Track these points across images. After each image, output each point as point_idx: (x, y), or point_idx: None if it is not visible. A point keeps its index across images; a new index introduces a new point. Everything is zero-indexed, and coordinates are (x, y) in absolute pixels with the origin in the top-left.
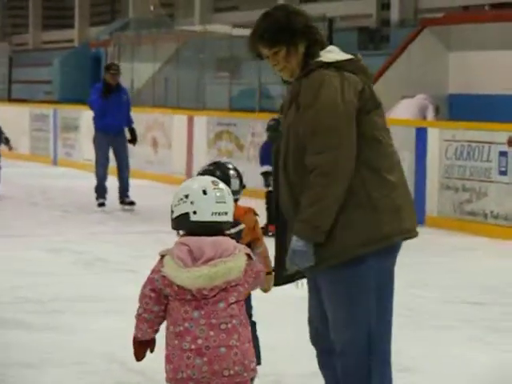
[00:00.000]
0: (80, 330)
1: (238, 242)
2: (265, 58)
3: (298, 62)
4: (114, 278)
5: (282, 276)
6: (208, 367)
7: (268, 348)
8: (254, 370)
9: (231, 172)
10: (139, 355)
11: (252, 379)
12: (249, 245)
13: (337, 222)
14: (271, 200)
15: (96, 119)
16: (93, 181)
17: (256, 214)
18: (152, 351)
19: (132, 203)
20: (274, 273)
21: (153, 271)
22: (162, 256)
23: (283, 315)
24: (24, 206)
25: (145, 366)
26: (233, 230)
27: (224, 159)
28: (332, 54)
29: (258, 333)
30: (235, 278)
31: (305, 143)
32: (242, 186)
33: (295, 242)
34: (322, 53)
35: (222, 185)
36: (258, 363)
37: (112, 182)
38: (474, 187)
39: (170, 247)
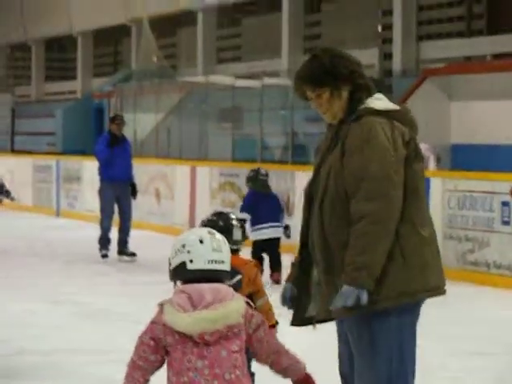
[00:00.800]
0: (81, 382)
1: (237, 291)
2: (310, 100)
3: (342, 106)
4: (117, 329)
5: (299, 317)
6: None
7: None
8: None
9: (234, 222)
10: None
11: None
12: (250, 297)
13: None
14: (257, 249)
15: (102, 169)
16: (95, 231)
17: (257, 267)
18: None
19: (133, 254)
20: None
21: (153, 321)
22: (161, 306)
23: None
24: (27, 257)
25: None
26: (231, 282)
27: (227, 210)
28: (381, 101)
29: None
30: (235, 323)
31: (348, 187)
32: (245, 236)
33: (348, 289)
34: (371, 100)
35: (218, 235)
36: None
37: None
38: (476, 237)
39: (168, 298)
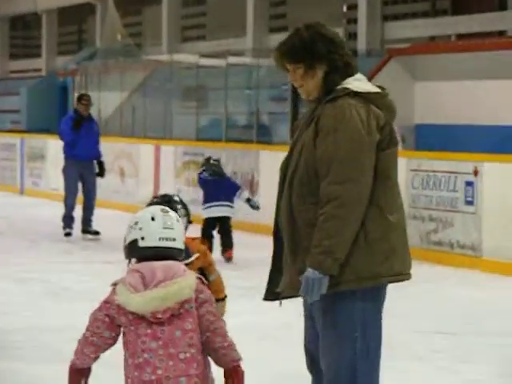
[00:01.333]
0: (44, 361)
1: (187, 265)
2: (288, 72)
3: (316, 85)
4: (79, 307)
5: (271, 292)
6: None
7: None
8: None
9: (178, 206)
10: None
11: None
12: (201, 273)
13: None
14: (207, 227)
15: (66, 149)
16: (59, 210)
17: (204, 243)
18: (86, 382)
19: (97, 233)
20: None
21: (106, 300)
22: (114, 286)
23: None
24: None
25: None
26: (188, 260)
27: (172, 192)
28: (360, 82)
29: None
30: (187, 298)
31: (318, 168)
32: (189, 220)
33: (312, 273)
34: (350, 80)
35: (172, 213)
36: None
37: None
38: (440, 217)
39: (122, 277)
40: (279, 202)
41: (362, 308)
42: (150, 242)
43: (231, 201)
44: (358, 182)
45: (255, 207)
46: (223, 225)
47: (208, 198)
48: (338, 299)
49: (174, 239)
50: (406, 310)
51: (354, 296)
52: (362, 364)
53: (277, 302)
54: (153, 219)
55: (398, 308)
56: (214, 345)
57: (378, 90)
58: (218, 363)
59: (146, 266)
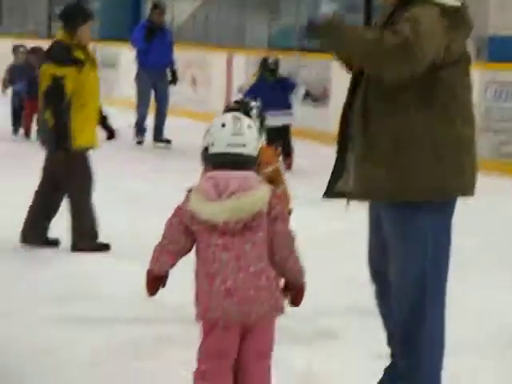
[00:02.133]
0: (115, 266)
1: None
2: None
3: None
4: (152, 215)
5: (332, 190)
6: (237, 308)
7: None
8: (282, 309)
9: (254, 111)
10: (152, 290)
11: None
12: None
13: (402, 162)
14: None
15: (139, 57)
16: (131, 118)
17: (276, 155)
18: (164, 285)
19: (168, 141)
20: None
21: (180, 206)
22: (189, 192)
23: (312, 251)
24: None
25: (178, 303)
26: (267, 169)
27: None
28: None
29: None
30: (259, 211)
31: None
32: (263, 127)
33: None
34: None
35: (245, 119)
36: None
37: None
38: None
39: (196, 184)
40: (347, 109)
41: (432, 222)
42: (218, 148)
43: (290, 107)
44: (418, 40)
45: (313, 98)
46: (283, 133)
47: (266, 107)
48: (408, 212)
49: (243, 145)
50: (476, 223)
51: (424, 209)
52: (430, 279)
53: (339, 209)
54: (223, 126)
55: (467, 222)
56: (286, 267)
57: (459, 4)
58: (285, 279)
59: (221, 174)
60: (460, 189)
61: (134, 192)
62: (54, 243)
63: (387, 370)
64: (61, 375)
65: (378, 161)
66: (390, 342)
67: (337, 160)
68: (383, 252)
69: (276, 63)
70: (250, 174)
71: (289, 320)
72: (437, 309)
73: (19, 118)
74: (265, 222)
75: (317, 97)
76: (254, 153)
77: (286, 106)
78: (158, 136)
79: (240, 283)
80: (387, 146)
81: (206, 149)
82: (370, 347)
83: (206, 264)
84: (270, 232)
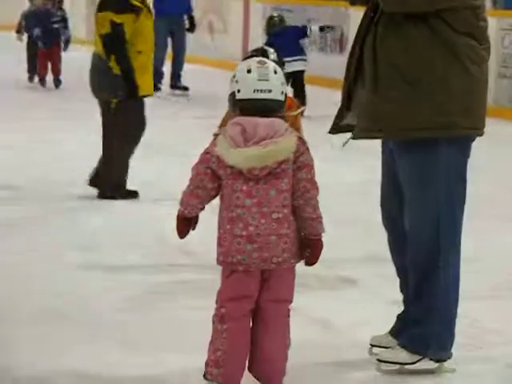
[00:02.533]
0: (133, 214)
1: None
2: None
3: None
4: (168, 163)
5: (338, 126)
6: (258, 254)
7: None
8: (301, 257)
9: (271, 57)
10: (183, 232)
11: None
12: None
13: (412, 98)
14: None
15: (156, 4)
16: None
17: (297, 106)
18: (194, 228)
19: (185, 88)
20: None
21: (206, 151)
22: (216, 136)
23: (333, 199)
24: (81, 90)
25: (196, 249)
26: (293, 113)
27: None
28: None
29: None
30: (285, 158)
31: None
32: (284, 70)
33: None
34: None
35: (270, 64)
36: None
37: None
38: None
39: (224, 128)
40: (357, 46)
41: (447, 164)
42: (245, 94)
43: (303, 52)
44: None
45: (327, 28)
46: (296, 79)
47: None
48: (423, 154)
49: (269, 91)
50: (492, 168)
51: (440, 151)
52: (444, 223)
53: (356, 159)
54: (249, 71)
55: (487, 167)
56: (304, 214)
57: None
58: (301, 230)
59: (249, 120)
60: (470, 126)
61: (151, 139)
62: (134, 194)
63: (399, 317)
64: (83, 322)
65: (388, 96)
66: (403, 288)
67: (343, 96)
68: (396, 198)
69: (281, 19)
70: (277, 121)
71: (310, 268)
72: (452, 254)
73: (35, 66)
74: (290, 170)
75: (332, 25)
76: (281, 98)
77: (298, 51)
78: (176, 83)
79: (262, 229)
80: (398, 82)
81: (233, 94)
82: (388, 294)
83: (230, 209)
84: (294, 179)
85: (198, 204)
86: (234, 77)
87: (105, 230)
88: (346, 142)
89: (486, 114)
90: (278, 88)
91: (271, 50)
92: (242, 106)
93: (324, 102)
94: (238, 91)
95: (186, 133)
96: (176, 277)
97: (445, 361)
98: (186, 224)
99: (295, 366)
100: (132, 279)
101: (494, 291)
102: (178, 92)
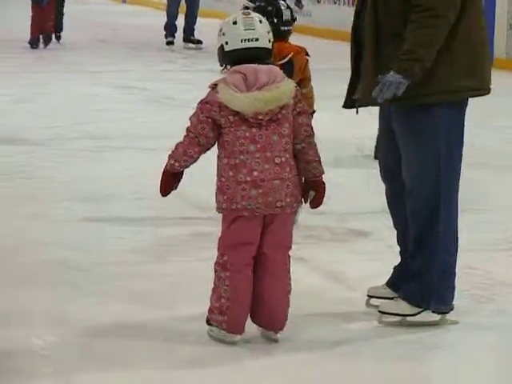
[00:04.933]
0: (143, 166)
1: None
2: None
3: None
4: (181, 115)
5: (350, 100)
6: (263, 199)
7: (335, 185)
8: (302, 201)
9: (282, 2)
10: (167, 188)
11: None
12: (297, 85)
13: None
14: None
15: None
16: (162, 18)
17: (307, 54)
18: (176, 187)
19: (199, 42)
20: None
21: (206, 101)
22: (213, 87)
23: (345, 153)
24: (93, 43)
25: (210, 202)
26: (281, 62)
27: None
28: None
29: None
30: (286, 103)
31: None
32: (293, 18)
33: (393, 77)
34: None
35: (254, 14)
36: None
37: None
38: None
39: (221, 78)
40: (359, 7)
41: (445, 120)
42: (233, 45)
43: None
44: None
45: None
46: None
47: None
48: (422, 112)
49: (256, 39)
50: (502, 119)
51: (438, 109)
52: (444, 177)
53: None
54: (234, 23)
55: (494, 117)
56: (308, 156)
57: None
58: (303, 174)
59: (249, 67)
60: (473, 88)
61: (164, 92)
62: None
63: (396, 268)
64: (87, 273)
65: (387, 69)
66: (399, 240)
67: (352, 70)
68: (394, 154)
69: None
70: (274, 68)
71: (323, 220)
72: (451, 207)
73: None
74: (290, 115)
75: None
76: (268, 46)
77: None
78: (189, 36)
79: (266, 174)
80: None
81: (221, 48)
82: (394, 244)
83: (233, 156)
84: (295, 124)
85: (195, 154)
86: (220, 30)
87: (114, 180)
88: (357, 111)
89: (498, 66)
90: (264, 36)
91: (283, 3)
92: (231, 57)
93: (336, 55)
94: (226, 43)
95: (199, 86)
96: (189, 229)
97: (447, 313)
98: (171, 180)
99: (301, 316)
100: (143, 231)
101: (508, 244)
102: (191, 45)
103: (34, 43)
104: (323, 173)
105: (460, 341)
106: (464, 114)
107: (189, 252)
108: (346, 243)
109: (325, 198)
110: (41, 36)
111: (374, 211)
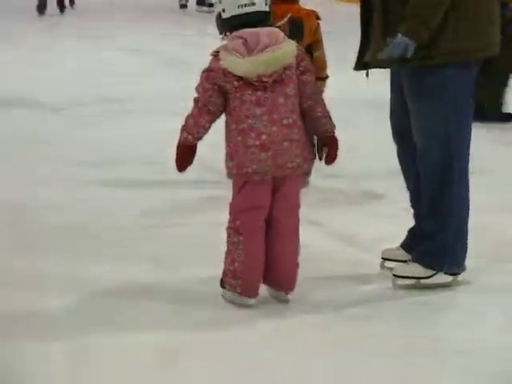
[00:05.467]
0: (159, 129)
1: (297, 41)
2: None
3: None
4: (192, 79)
5: (361, 62)
6: (272, 161)
7: (350, 147)
8: (312, 160)
9: None
10: (184, 163)
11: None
12: (308, 48)
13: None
14: None
15: None
16: None
17: (318, 18)
18: (192, 162)
19: (211, 5)
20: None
21: (210, 68)
22: (215, 55)
23: (361, 115)
24: (103, 6)
25: (220, 164)
26: (279, 23)
27: None
28: None
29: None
30: (289, 63)
31: None
32: None
33: (401, 39)
34: None
35: None
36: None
37: None
38: None
39: (222, 45)
40: None
41: (453, 82)
42: (230, 11)
43: None
44: None
45: None
46: None
47: None
48: (429, 73)
49: (253, 3)
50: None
51: (444, 70)
52: (454, 139)
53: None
54: None
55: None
56: (316, 113)
57: None
58: (315, 132)
59: (249, 31)
60: (482, 49)
61: (177, 56)
62: None
63: (411, 230)
64: (100, 237)
65: (396, 31)
66: (413, 203)
67: (362, 32)
68: (405, 114)
69: None
70: (275, 30)
71: (336, 183)
72: (463, 169)
73: None
74: (294, 75)
75: None
76: (266, 8)
77: None
78: (202, 0)
79: (274, 136)
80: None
81: (219, 16)
82: (409, 207)
83: (240, 121)
84: (300, 83)
85: (206, 123)
86: (218, 0)
87: (126, 144)
88: (367, 73)
89: None
90: (261, 1)
91: None
92: (230, 24)
93: (347, 17)
94: (223, 11)
95: (211, 49)
96: (201, 193)
97: (459, 274)
98: (187, 154)
99: (315, 279)
100: (155, 195)
101: (503, 206)
102: (204, 8)
103: (40, 9)
104: (334, 127)
105: (474, 301)
106: (473, 75)
107: (201, 215)
108: (360, 206)
109: (338, 153)
110: (56, 3)
111: (388, 173)
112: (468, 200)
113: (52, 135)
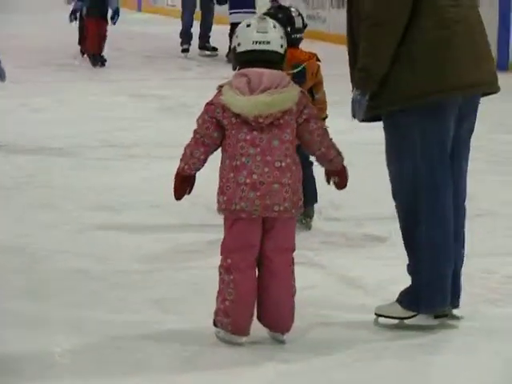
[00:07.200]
0: (160, 174)
1: (300, 85)
2: None
3: None
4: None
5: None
6: (260, 201)
7: (350, 190)
8: (301, 208)
9: (293, 9)
10: (180, 192)
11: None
12: (309, 90)
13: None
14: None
15: None
16: (177, 26)
17: (318, 60)
18: (190, 191)
19: (214, 49)
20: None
21: (210, 102)
22: (219, 90)
23: (360, 158)
24: (109, 51)
25: None
26: (294, 70)
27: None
28: None
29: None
30: (289, 108)
31: None
32: (304, 25)
33: (354, 94)
34: None
35: (269, 19)
36: (315, 201)
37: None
38: None
39: (228, 80)
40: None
41: (418, 126)
42: (244, 46)
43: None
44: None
45: None
46: None
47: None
48: (392, 120)
49: (268, 42)
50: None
51: (407, 115)
52: (422, 177)
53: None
54: (248, 26)
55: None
56: (330, 156)
57: None
58: (327, 168)
59: (253, 71)
60: (439, 91)
61: (180, 100)
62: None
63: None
64: (105, 281)
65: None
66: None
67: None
68: None
69: None
70: (280, 73)
71: (338, 225)
72: (435, 209)
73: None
74: (293, 121)
75: None
76: (280, 50)
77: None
78: (204, 44)
79: (265, 177)
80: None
81: (233, 49)
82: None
83: (234, 158)
84: (305, 132)
85: (201, 155)
86: (235, 33)
87: (131, 189)
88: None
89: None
90: (276, 41)
91: (292, 8)
92: (242, 59)
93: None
94: (238, 45)
95: (214, 93)
96: (206, 236)
97: (445, 316)
98: (184, 183)
99: (312, 322)
100: (160, 239)
101: (492, 247)
102: (206, 53)
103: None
104: (343, 160)
105: (477, 346)
106: (442, 116)
107: (206, 258)
108: (362, 248)
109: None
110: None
111: (390, 216)
112: (446, 241)
113: (58, 180)
